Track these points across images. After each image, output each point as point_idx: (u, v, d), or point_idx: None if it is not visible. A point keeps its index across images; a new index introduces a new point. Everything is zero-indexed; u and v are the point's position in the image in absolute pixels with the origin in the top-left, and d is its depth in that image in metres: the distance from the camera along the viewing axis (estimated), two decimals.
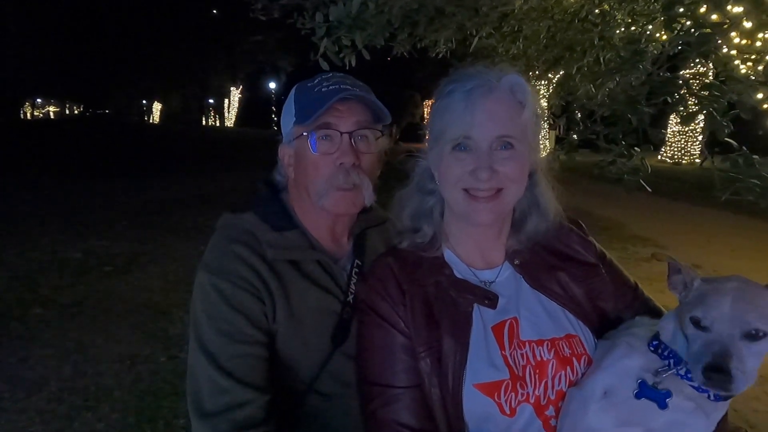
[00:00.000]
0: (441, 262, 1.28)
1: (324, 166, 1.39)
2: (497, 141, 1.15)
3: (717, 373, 0.97)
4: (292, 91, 1.49)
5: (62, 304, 5.26)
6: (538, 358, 1.16)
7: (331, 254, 1.50)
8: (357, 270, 1.50)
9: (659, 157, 21.15)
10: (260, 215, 1.45)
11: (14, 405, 3.54)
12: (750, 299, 1.02)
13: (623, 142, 2.28)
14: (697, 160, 20.12)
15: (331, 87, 1.40)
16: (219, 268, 1.36)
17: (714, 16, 2.42)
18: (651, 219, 10.00)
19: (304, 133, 1.40)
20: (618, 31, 3.36)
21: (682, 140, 20.99)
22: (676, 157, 21.06)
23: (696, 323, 1.04)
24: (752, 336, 0.99)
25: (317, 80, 1.44)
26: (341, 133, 1.38)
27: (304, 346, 1.42)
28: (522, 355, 1.16)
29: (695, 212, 10.98)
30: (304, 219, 1.49)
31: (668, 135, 20.93)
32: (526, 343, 1.17)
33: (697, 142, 20.64)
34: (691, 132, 20.36)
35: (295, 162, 1.46)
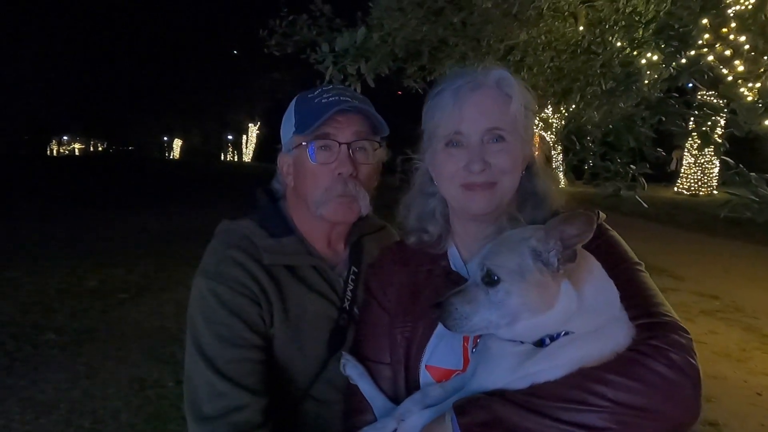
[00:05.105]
0: (441, 255, 1.31)
1: (322, 176, 1.42)
2: (488, 134, 1.17)
3: (436, 308, 1.03)
4: (293, 101, 1.52)
5: (76, 330, 5.33)
6: None
7: (327, 261, 1.52)
8: (353, 277, 1.51)
9: (675, 189, 20.85)
10: (257, 221, 1.48)
11: (23, 427, 3.57)
12: (503, 244, 1.02)
13: (618, 160, 2.31)
14: (715, 192, 19.80)
15: (330, 98, 1.43)
16: (217, 273, 1.39)
17: (717, 45, 2.46)
18: (667, 249, 9.84)
19: (303, 143, 1.43)
20: (616, 58, 3.44)
21: (699, 171, 20.71)
22: (693, 189, 20.76)
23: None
24: (489, 281, 0.99)
25: (318, 91, 1.47)
26: (340, 144, 1.41)
27: (299, 352, 1.43)
28: None
29: (713, 243, 10.80)
30: (301, 226, 1.52)
31: (684, 167, 20.70)
32: None
33: (714, 174, 20.34)
34: (708, 163, 20.12)
35: (294, 171, 1.49)
